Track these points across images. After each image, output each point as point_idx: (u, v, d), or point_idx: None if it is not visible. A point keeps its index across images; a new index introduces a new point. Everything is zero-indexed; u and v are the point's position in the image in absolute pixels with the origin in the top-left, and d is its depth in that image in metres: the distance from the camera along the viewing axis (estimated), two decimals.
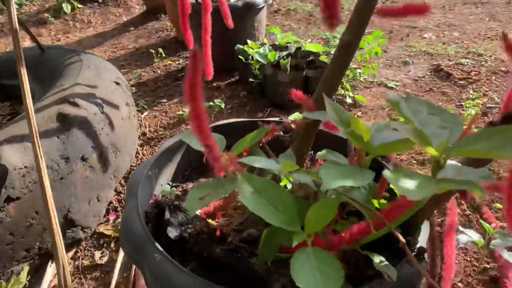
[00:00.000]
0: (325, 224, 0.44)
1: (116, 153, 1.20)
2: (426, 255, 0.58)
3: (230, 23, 1.01)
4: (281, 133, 0.63)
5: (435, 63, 2.20)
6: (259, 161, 0.50)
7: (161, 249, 0.55)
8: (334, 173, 0.43)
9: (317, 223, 0.44)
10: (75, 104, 1.10)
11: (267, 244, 0.54)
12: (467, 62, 2.16)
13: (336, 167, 0.45)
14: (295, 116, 0.64)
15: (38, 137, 0.89)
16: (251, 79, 1.79)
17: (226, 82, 2.02)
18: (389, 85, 1.98)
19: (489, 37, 2.55)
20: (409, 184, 0.38)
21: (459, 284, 0.94)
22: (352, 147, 0.75)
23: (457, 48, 2.38)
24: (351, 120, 0.50)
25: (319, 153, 0.59)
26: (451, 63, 2.18)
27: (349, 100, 1.80)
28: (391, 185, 0.63)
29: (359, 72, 2.00)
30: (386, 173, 0.37)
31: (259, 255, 0.53)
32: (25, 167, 0.93)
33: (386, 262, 0.51)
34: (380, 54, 1.85)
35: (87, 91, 1.18)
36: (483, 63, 2.16)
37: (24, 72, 0.93)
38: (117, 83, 1.35)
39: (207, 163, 0.89)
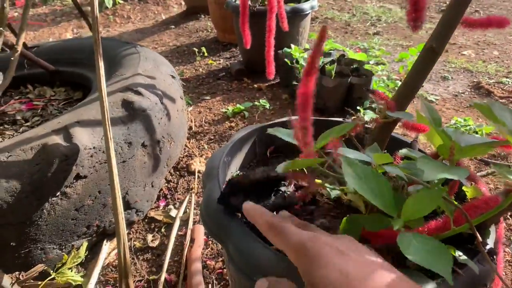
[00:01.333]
0: (424, 214, 0.47)
1: (171, 143, 1.26)
2: (495, 257, 0.60)
3: (286, 26, 1.06)
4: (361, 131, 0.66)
5: (475, 80, 2.20)
6: (352, 153, 0.54)
7: (246, 227, 0.58)
8: (432, 166, 0.46)
9: (416, 211, 0.47)
10: (139, 93, 1.15)
11: (347, 231, 0.57)
12: (508, 81, 2.16)
13: (431, 161, 0.48)
14: (372, 115, 0.67)
15: (109, 121, 0.94)
16: (294, 82, 1.83)
17: (267, 84, 2.06)
18: (429, 98, 1.99)
19: None
20: None
21: None
22: (417, 150, 0.78)
23: (498, 67, 2.38)
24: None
25: (401, 151, 0.62)
26: (491, 81, 2.17)
27: None
28: (463, 188, 0.66)
29: (400, 84, 2.02)
30: (495, 167, 0.40)
31: None
32: (93, 147, 0.99)
33: (466, 257, 0.53)
34: None
35: (147, 81, 1.24)
36: None
37: (100, 57, 0.98)
38: (173, 77, 1.41)
39: (270, 156, 0.93)
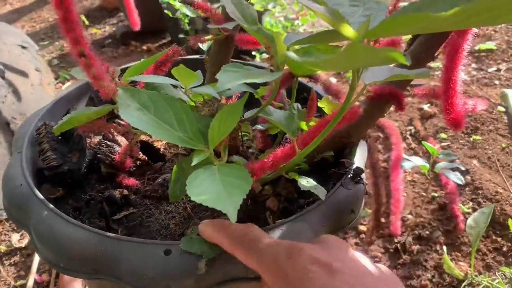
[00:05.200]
0: (229, 132, 0.35)
1: None
2: (363, 176, 0.51)
3: None
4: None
5: None
6: (154, 78, 0.41)
7: (48, 203, 0.44)
8: (235, 74, 0.35)
9: (221, 133, 0.35)
10: None
11: (177, 181, 0.45)
12: None
13: (239, 69, 0.36)
14: (207, 37, 0.55)
15: None
16: (181, 36, 1.67)
17: (157, 44, 1.88)
18: None
19: None
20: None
21: (409, 216, 0.90)
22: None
23: None
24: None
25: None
26: None
27: None
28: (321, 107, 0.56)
29: (298, 23, 1.93)
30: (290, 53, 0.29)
31: (170, 195, 0.45)
32: None
33: (314, 183, 0.43)
34: None
35: None
36: None
37: None
38: (23, 47, 1.19)
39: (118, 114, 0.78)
